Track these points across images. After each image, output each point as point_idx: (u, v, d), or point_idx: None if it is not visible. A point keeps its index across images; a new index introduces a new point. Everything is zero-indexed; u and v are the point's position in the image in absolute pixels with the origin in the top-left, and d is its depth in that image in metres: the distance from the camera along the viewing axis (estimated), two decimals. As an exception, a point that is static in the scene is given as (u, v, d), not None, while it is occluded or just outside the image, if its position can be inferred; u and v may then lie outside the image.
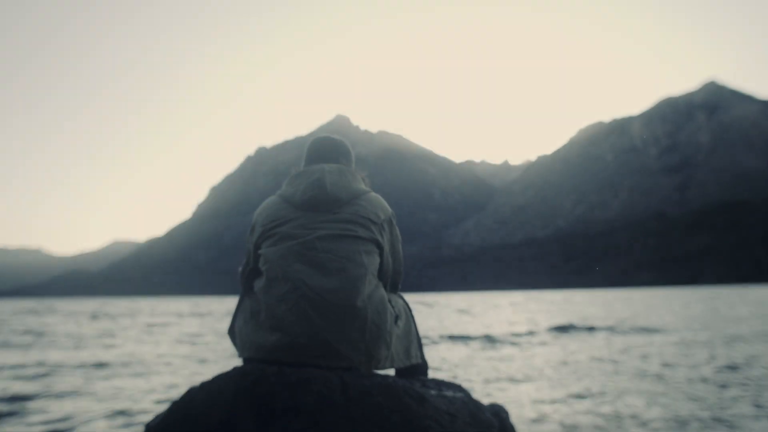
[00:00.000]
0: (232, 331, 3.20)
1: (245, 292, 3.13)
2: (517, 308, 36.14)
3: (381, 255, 3.08)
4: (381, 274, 3.13)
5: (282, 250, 2.89)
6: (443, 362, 9.94)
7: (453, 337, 14.90)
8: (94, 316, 34.08)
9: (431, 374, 6.36)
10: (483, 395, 6.43)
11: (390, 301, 3.06)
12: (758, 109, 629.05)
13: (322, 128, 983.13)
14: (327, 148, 3.32)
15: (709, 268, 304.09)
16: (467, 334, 15.98)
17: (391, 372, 3.16)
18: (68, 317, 33.74)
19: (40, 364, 9.90)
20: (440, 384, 3.08)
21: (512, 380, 7.76)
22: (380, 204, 3.12)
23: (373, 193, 3.16)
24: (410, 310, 3.31)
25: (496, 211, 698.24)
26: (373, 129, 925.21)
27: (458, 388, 3.08)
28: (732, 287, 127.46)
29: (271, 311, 2.81)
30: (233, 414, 2.52)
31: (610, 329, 16.69)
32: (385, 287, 3.19)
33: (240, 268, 3.26)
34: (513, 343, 13.29)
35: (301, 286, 2.77)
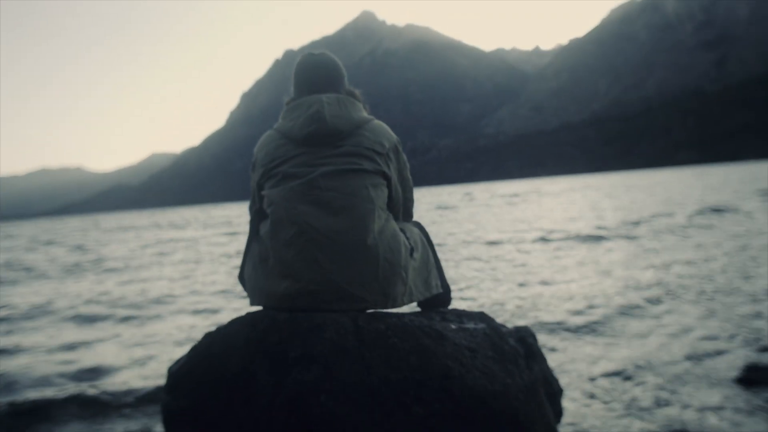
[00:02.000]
0: (242, 277, 3.10)
1: (252, 235, 3.02)
2: (573, 197, 35.66)
3: (389, 186, 2.96)
4: (391, 206, 3.02)
5: (285, 190, 2.76)
6: (513, 269, 9.39)
7: (517, 241, 13.71)
8: (139, 234, 34.50)
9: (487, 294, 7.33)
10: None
11: (404, 232, 2.95)
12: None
13: (347, 26, 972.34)
14: (319, 74, 3.09)
15: (749, 144, 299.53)
16: (539, 233, 14.68)
17: (413, 306, 3.05)
18: (116, 236, 34.64)
19: (86, 299, 9.89)
20: (461, 315, 2.95)
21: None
22: (384, 132, 2.96)
23: (376, 121, 3.00)
24: (427, 237, 3.19)
25: (530, 99, 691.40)
26: (401, 23, 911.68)
27: (480, 317, 2.97)
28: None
29: (279, 257, 2.70)
30: (248, 363, 2.49)
31: (691, 216, 16.09)
32: (396, 218, 3.11)
33: (249, 205, 3.13)
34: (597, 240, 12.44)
35: (307, 229, 2.65)
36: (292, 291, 2.65)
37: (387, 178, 2.91)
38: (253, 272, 2.87)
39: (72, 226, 71.22)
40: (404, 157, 3.08)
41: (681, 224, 14.39)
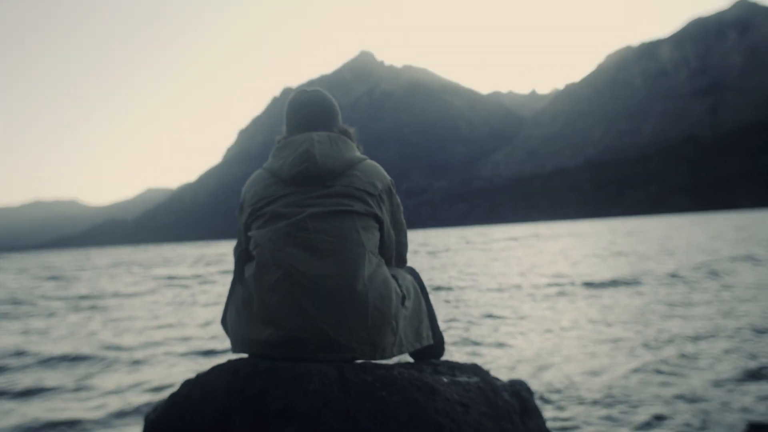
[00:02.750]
0: (224, 322, 2.94)
1: (237, 278, 2.83)
2: (573, 243, 34.42)
3: (381, 229, 2.82)
4: (383, 250, 2.89)
5: (271, 232, 2.63)
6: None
7: (519, 287, 13.29)
8: (130, 271, 34.11)
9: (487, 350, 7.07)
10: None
11: (396, 278, 2.80)
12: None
13: (346, 66, 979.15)
14: (311, 112, 2.97)
15: (743, 192, 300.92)
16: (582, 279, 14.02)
17: (402, 357, 2.90)
18: (107, 272, 34.29)
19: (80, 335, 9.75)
20: (454, 368, 2.85)
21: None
22: (377, 172, 2.85)
23: (369, 161, 2.89)
24: (420, 284, 3.03)
25: (525, 142, 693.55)
26: (398, 64, 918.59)
27: (474, 369, 2.87)
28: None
29: (263, 301, 2.55)
30: (227, 414, 2.36)
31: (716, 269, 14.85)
32: (388, 263, 2.98)
33: (234, 247, 2.98)
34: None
35: (293, 272, 2.51)
36: (276, 338, 2.52)
37: (379, 220, 2.78)
38: (236, 317, 2.72)
39: (64, 260, 70.83)
40: (398, 199, 2.97)
41: (694, 272, 14.17)
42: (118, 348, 8.70)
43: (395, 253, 3.05)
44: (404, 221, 3.05)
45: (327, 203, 2.66)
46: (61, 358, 7.99)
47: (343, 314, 2.50)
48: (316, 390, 2.33)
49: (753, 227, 40.25)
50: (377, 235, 2.78)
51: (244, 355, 2.70)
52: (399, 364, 2.73)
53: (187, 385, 2.55)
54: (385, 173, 2.90)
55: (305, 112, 2.97)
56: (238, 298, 2.71)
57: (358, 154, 2.89)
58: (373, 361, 2.67)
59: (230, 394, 2.40)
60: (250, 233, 2.76)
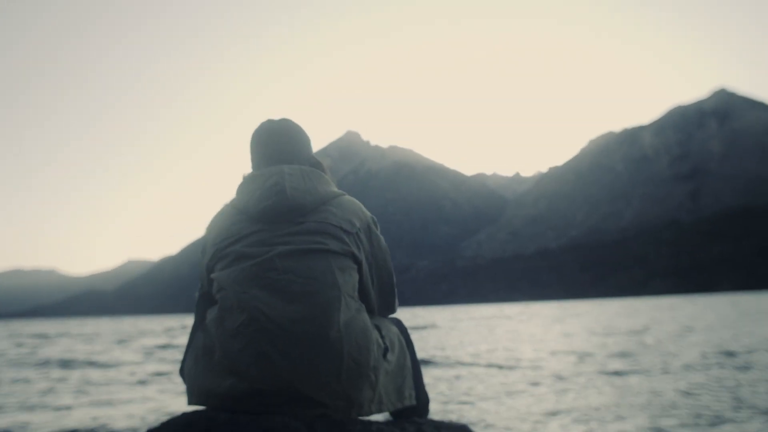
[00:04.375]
0: (183, 372, 2.56)
1: (197, 324, 2.54)
2: (584, 322, 33.42)
3: (360, 271, 2.48)
4: (363, 295, 2.53)
5: (236, 273, 2.32)
6: None
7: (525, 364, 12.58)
8: (105, 339, 33.21)
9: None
10: None
11: (379, 328, 2.50)
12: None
13: (332, 144, 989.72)
14: (280, 142, 2.64)
15: (724, 276, 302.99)
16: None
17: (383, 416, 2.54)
18: (82, 343, 33.31)
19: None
20: (440, 427, 2.47)
21: None
22: (355, 208, 2.52)
23: (347, 196, 2.57)
24: (407, 338, 2.69)
25: (508, 223, 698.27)
26: (384, 144, 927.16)
27: (463, 430, 2.54)
28: (750, 294, 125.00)
29: (224, 349, 2.25)
30: None
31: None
32: (371, 310, 2.60)
33: (196, 294, 2.63)
34: None
35: (258, 316, 2.22)
36: (237, 391, 2.22)
37: (357, 261, 2.46)
38: (194, 366, 2.40)
39: (38, 328, 69.28)
40: (382, 240, 2.63)
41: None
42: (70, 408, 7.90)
43: (382, 301, 2.70)
44: (390, 265, 2.69)
45: (298, 241, 2.36)
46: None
47: (313, 364, 2.20)
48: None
49: (747, 307, 39.75)
50: (355, 276, 2.46)
51: (202, 408, 2.36)
52: (378, 422, 2.38)
53: (141, 438, 2.26)
54: (365, 210, 2.58)
55: (272, 142, 2.66)
56: (198, 345, 2.42)
57: (333, 188, 2.57)
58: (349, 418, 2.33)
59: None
60: (212, 275, 2.44)
